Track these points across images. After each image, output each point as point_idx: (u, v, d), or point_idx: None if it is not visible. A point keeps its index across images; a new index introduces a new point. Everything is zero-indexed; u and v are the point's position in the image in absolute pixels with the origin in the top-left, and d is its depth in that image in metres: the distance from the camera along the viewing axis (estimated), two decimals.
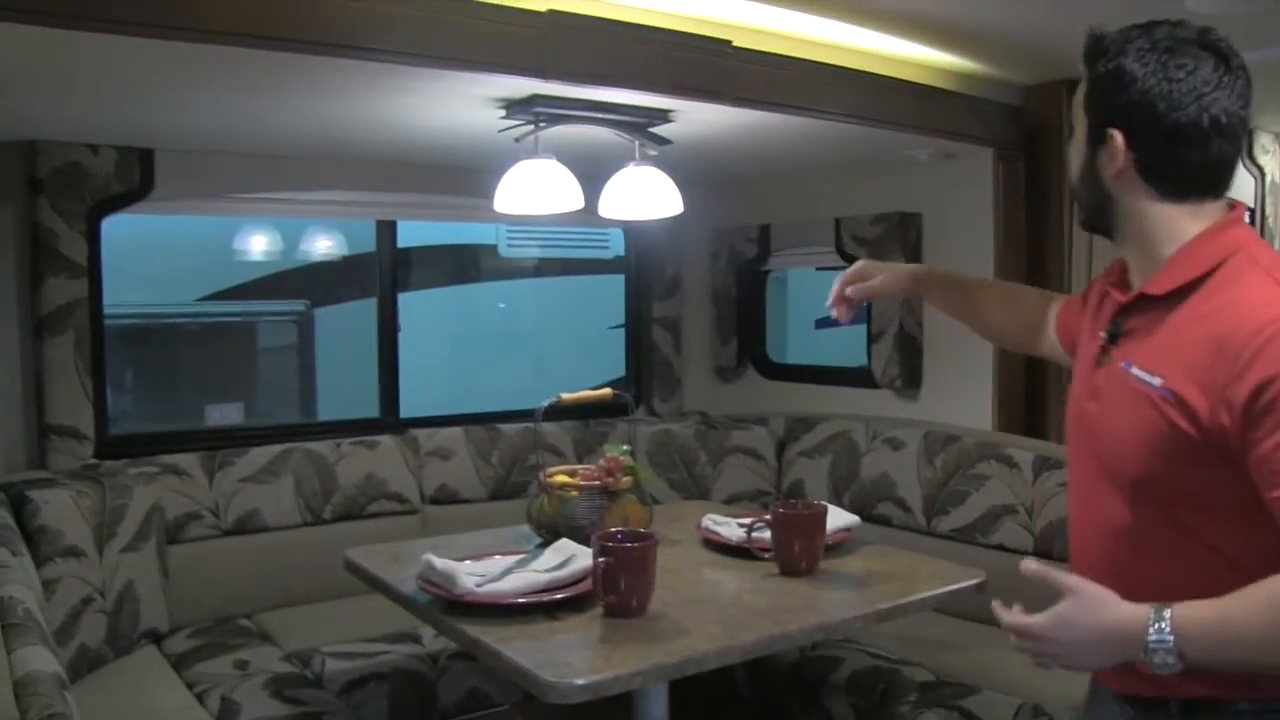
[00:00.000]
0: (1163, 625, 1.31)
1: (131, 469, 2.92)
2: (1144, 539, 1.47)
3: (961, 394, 3.35)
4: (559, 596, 2.00)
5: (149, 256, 4.56)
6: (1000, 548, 2.99)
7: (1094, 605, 1.37)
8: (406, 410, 3.70)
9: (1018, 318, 2.03)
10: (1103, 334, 1.55)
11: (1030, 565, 1.40)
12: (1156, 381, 1.41)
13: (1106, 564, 1.49)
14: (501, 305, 6.56)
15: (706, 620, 1.96)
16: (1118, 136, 1.45)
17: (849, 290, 2.13)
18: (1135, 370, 1.45)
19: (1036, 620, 1.40)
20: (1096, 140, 1.49)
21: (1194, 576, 1.40)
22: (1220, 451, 1.34)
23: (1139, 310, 1.50)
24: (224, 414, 4.28)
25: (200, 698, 2.52)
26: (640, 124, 2.58)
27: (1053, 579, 1.39)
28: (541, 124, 2.47)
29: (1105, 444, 1.50)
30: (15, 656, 1.47)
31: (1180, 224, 1.47)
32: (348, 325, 5.22)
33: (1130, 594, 1.39)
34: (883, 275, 2.12)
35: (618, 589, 1.94)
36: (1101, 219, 1.56)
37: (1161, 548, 1.45)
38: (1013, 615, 1.44)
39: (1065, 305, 1.90)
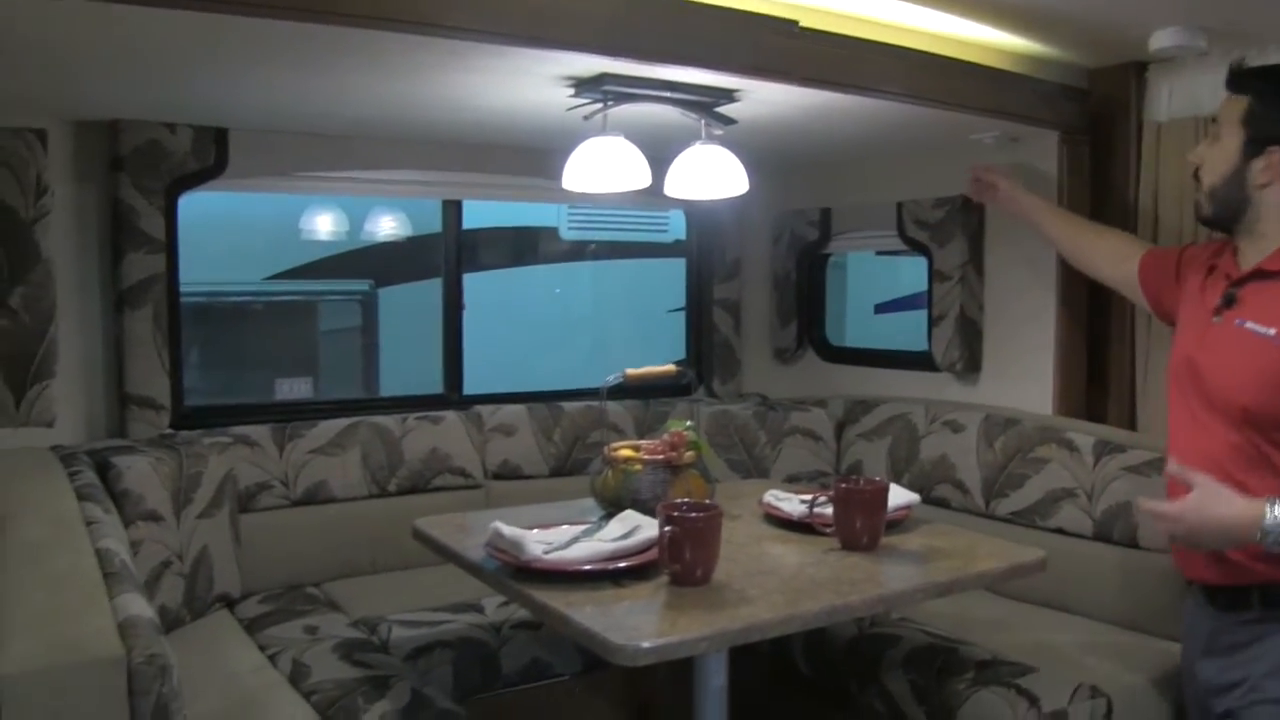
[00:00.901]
0: (1277, 511, 1.72)
1: (206, 439, 3.00)
2: (1242, 457, 1.88)
3: (1022, 378, 3.34)
4: (624, 565, 2.04)
5: (219, 237, 4.66)
6: (1060, 531, 2.99)
7: (1219, 496, 1.77)
8: (469, 389, 3.76)
9: (1103, 248, 2.63)
10: (1219, 301, 2.01)
11: (1171, 467, 1.87)
12: (1272, 331, 1.87)
13: (1207, 474, 1.82)
14: (558, 290, 6.60)
15: (769, 590, 1.99)
16: (1279, 153, 1.92)
17: (983, 173, 2.94)
18: (1250, 325, 1.92)
19: (1172, 506, 1.81)
20: (1253, 153, 1.95)
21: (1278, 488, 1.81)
22: None
23: (1250, 282, 1.97)
24: (293, 388, 4.37)
25: (272, 659, 2.59)
26: (707, 103, 2.60)
27: (1188, 474, 1.80)
28: (609, 102, 2.50)
29: (1215, 382, 1.94)
30: (116, 602, 1.54)
31: None
32: (411, 305, 5.29)
33: None
34: (1013, 182, 2.90)
35: (683, 558, 1.97)
36: (1232, 216, 2.02)
37: (1257, 464, 1.87)
38: (1151, 502, 1.87)
39: (1153, 255, 2.46)
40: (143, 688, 1.36)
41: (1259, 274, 1.97)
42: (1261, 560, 1.86)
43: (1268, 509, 1.72)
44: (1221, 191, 2.02)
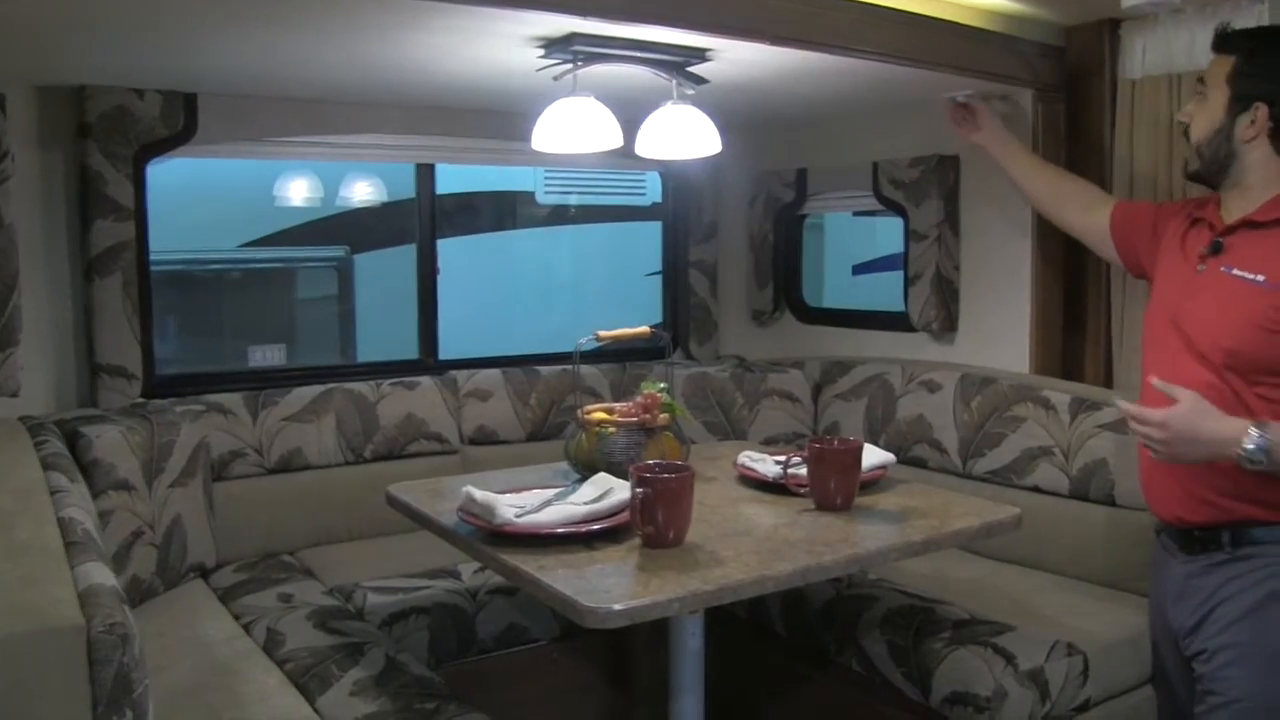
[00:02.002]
0: (1260, 429, 1.82)
1: (178, 407, 2.97)
2: (1221, 398, 1.92)
3: (998, 337, 3.34)
4: (597, 528, 2.04)
5: (194, 204, 4.62)
6: (1036, 489, 3.00)
7: (1207, 411, 1.86)
8: (449, 355, 3.74)
9: (1076, 195, 2.69)
10: (1203, 249, 2.08)
11: (1156, 383, 1.91)
12: (1260, 278, 1.94)
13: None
14: (532, 259, 6.56)
15: (743, 551, 1.99)
16: (1264, 109, 1.99)
17: (965, 98, 2.98)
18: (1236, 272, 1.99)
19: (1156, 412, 1.87)
20: (1240, 110, 2.02)
21: None
22: None
23: (1237, 231, 2.03)
24: (266, 355, 4.34)
25: (247, 628, 2.59)
26: (678, 63, 2.57)
27: (1174, 389, 1.87)
28: (579, 62, 2.47)
29: (1200, 327, 1.99)
30: (78, 571, 1.52)
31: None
32: (387, 271, 5.26)
33: None
34: (996, 121, 2.95)
35: (655, 520, 1.97)
36: (1218, 170, 2.08)
37: (1234, 409, 1.91)
38: (1135, 406, 1.93)
39: (1126, 207, 2.54)
40: (103, 657, 1.34)
41: (1247, 224, 2.03)
42: (1233, 497, 1.95)
43: (1251, 429, 1.83)
44: (1209, 147, 2.08)
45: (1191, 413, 1.87)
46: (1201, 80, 2.15)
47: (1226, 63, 2.07)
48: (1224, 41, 2.10)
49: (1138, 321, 2.70)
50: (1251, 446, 1.82)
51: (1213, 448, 1.87)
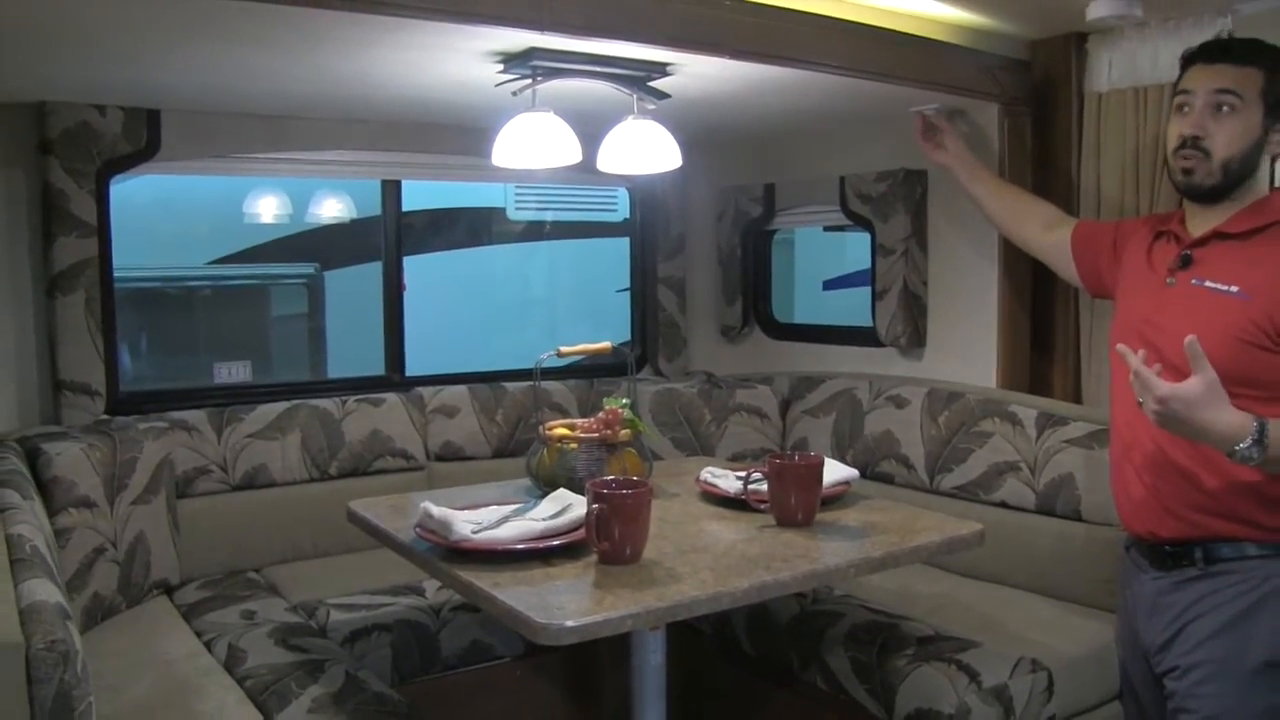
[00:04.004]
0: (1260, 424, 1.76)
1: (141, 424, 2.96)
2: None
3: (966, 351, 3.34)
4: (554, 544, 2.02)
5: (163, 221, 4.60)
6: (1003, 505, 3.00)
7: (1214, 399, 1.76)
8: (419, 371, 3.73)
9: (1037, 214, 2.70)
10: (1172, 262, 2.06)
11: (1192, 347, 1.76)
12: (1234, 289, 1.93)
13: (1156, 429, 1.87)
14: (505, 275, 6.55)
15: (700, 568, 1.97)
16: None
17: (934, 117, 3.01)
18: (1209, 284, 1.97)
19: (1163, 385, 1.77)
20: (1271, 124, 1.98)
21: None
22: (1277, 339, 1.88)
23: (1206, 244, 2.02)
24: (232, 372, 4.32)
25: (208, 645, 2.57)
26: (639, 77, 2.58)
27: (1201, 361, 1.75)
28: (539, 77, 2.47)
29: (1173, 339, 1.90)
30: (22, 588, 1.51)
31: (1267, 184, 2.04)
32: (357, 288, 5.25)
33: (1173, 454, 1.97)
34: (961, 143, 2.97)
35: (611, 536, 1.96)
36: (1234, 184, 2.01)
37: None
38: (1142, 365, 1.81)
39: (1087, 226, 2.54)
40: (43, 675, 1.33)
41: (1218, 235, 2.02)
42: (1207, 513, 1.95)
43: (1252, 431, 1.77)
44: (1237, 163, 2.00)
45: (1200, 397, 1.76)
46: (1183, 92, 2.06)
47: (1252, 76, 1.99)
48: (1245, 54, 2.01)
49: (1105, 336, 2.70)
50: (1246, 446, 1.77)
51: (1207, 437, 1.80)
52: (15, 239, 2.97)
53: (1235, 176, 2.01)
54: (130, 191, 3.09)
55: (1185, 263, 2.05)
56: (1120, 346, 1.88)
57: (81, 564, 2.59)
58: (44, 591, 1.52)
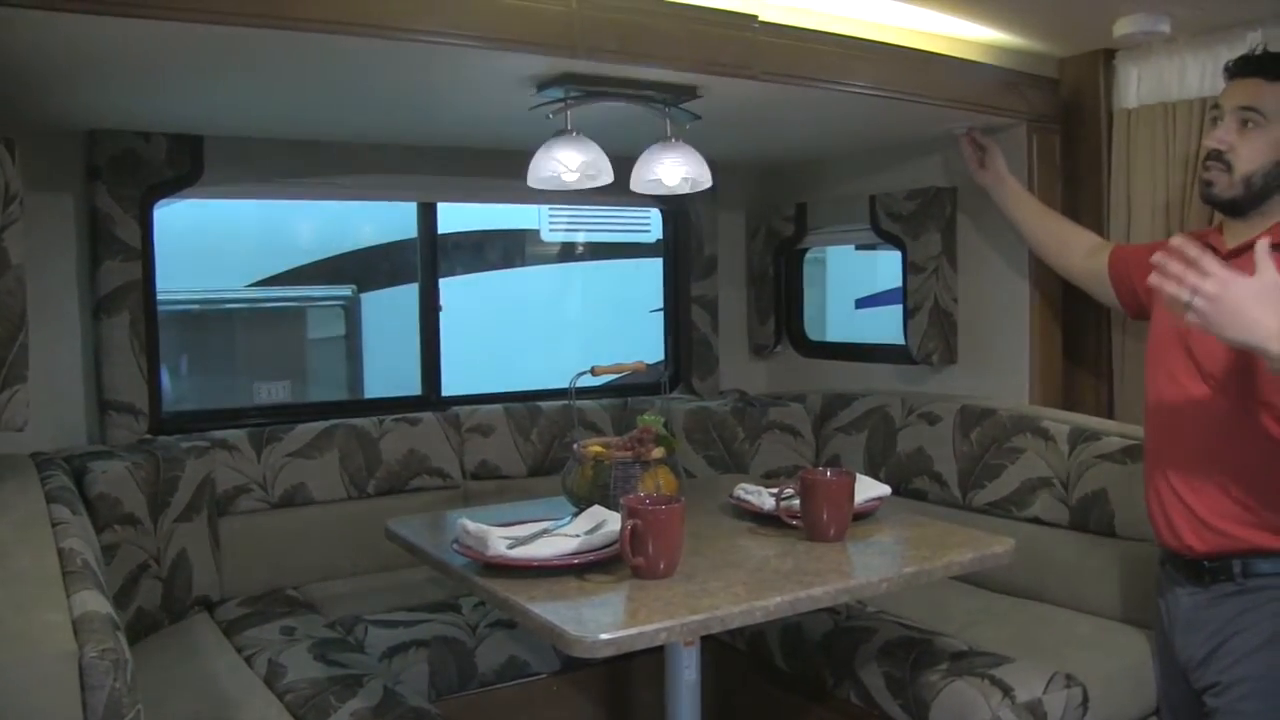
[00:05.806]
0: None
1: (184, 443, 3.01)
2: (1230, 420, 1.94)
3: (998, 368, 3.35)
4: (589, 559, 2.05)
5: (204, 245, 4.67)
6: (1036, 520, 3.00)
7: (1274, 295, 1.65)
8: (455, 391, 3.77)
9: (1080, 242, 2.74)
10: None
11: (1260, 243, 1.71)
12: None
13: (1192, 440, 1.96)
14: (540, 296, 6.60)
15: (733, 582, 1.99)
16: None
17: (980, 137, 3.03)
18: None
19: (1222, 269, 1.67)
20: None
21: (1264, 450, 1.91)
22: None
23: (1242, 255, 1.93)
24: (271, 392, 4.38)
25: (249, 660, 2.61)
26: (669, 100, 2.62)
27: (1265, 262, 1.67)
28: (572, 100, 2.51)
29: (1209, 347, 1.94)
30: (74, 599, 1.55)
31: None
32: (394, 309, 5.30)
33: (1209, 466, 1.98)
34: (1000, 160, 2.99)
35: (645, 551, 1.98)
36: (1257, 199, 2.03)
37: (1243, 429, 1.92)
38: (1199, 251, 1.69)
39: (1124, 249, 2.60)
40: (95, 682, 1.36)
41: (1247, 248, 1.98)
42: (1246, 525, 1.94)
43: None
44: (1260, 178, 2.02)
45: (1260, 291, 1.65)
46: (1217, 106, 2.11)
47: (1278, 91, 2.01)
48: (1277, 68, 2.04)
49: (1138, 351, 2.71)
50: None
51: (1254, 334, 1.65)
52: (63, 262, 3.04)
53: (1257, 190, 2.03)
54: (173, 216, 3.15)
55: None
56: (1260, 244, 1.73)
57: (127, 580, 2.65)
58: (95, 602, 1.56)
